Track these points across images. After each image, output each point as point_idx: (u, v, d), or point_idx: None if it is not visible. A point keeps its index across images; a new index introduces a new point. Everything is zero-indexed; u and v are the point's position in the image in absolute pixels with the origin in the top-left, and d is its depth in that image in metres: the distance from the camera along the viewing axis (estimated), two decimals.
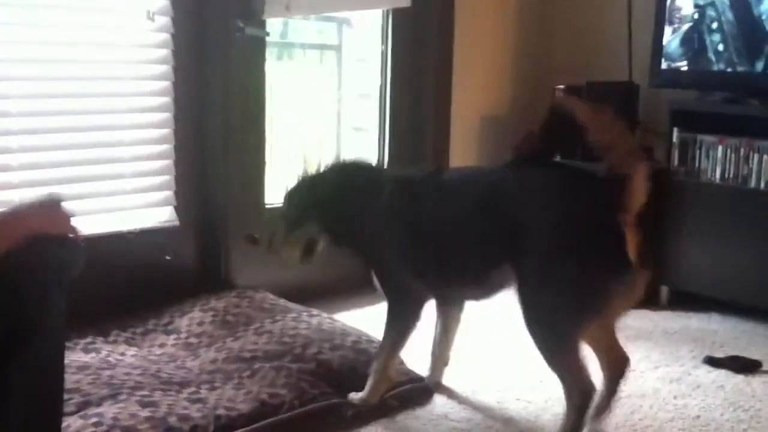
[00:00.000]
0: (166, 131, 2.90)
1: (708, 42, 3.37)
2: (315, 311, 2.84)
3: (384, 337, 2.37)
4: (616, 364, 2.23)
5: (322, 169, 2.43)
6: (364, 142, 3.80)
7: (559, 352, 2.06)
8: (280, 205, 2.50)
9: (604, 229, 1.98)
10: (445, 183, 2.29)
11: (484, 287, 2.24)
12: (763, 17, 3.20)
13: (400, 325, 2.34)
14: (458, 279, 2.26)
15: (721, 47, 3.33)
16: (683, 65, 3.46)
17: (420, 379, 2.50)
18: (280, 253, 2.46)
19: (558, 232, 2.02)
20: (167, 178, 2.92)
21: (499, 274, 2.13)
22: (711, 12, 3.34)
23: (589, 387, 2.09)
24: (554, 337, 2.05)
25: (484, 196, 2.15)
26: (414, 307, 2.35)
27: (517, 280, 2.08)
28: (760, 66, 3.24)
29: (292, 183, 2.49)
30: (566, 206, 2.04)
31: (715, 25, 3.34)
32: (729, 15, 3.30)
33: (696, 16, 3.38)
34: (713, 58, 3.36)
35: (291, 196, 2.48)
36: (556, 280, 2.01)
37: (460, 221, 2.18)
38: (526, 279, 2.06)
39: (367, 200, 2.34)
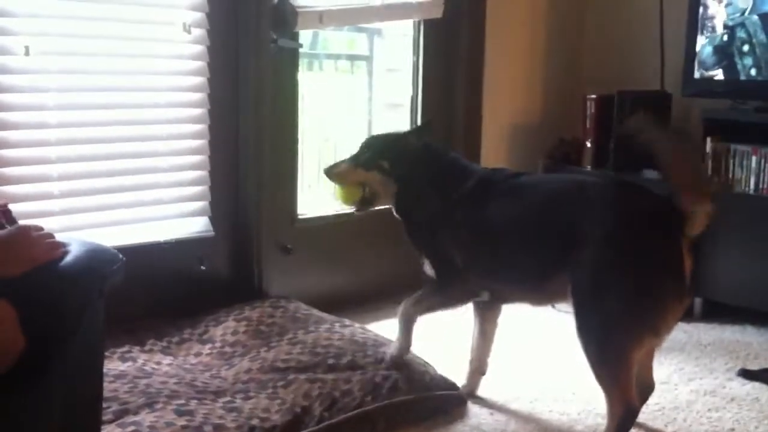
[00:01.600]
0: (202, 142, 2.94)
1: (741, 51, 3.35)
2: (347, 321, 2.85)
3: (423, 293, 2.42)
4: (642, 388, 2.24)
5: (416, 135, 2.49)
6: None
7: (610, 366, 2.06)
8: (361, 144, 2.52)
9: (667, 249, 2.03)
10: (522, 186, 2.32)
11: (544, 292, 2.27)
12: None
13: (442, 296, 2.40)
14: (519, 281, 2.30)
15: (755, 57, 3.30)
16: (716, 74, 3.44)
17: (455, 387, 2.51)
18: (336, 183, 2.47)
19: (623, 246, 2.05)
20: (203, 188, 2.95)
21: (559, 281, 2.14)
22: (745, 22, 3.32)
23: (633, 405, 2.09)
24: (608, 349, 2.05)
25: (554, 204, 2.20)
26: (463, 286, 2.38)
27: (574, 289, 2.09)
28: None
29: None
30: (633, 223, 2.07)
31: (748, 35, 3.32)
32: (763, 24, 3.27)
33: (729, 25, 3.36)
34: (746, 67, 3.34)
35: (373, 140, 2.52)
36: (617, 292, 2.03)
37: (529, 224, 2.22)
38: (584, 289, 2.07)
39: (448, 182, 2.39)
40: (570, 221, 2.13)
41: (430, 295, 2.42)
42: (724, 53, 3.38)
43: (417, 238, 2.45)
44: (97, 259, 1.67)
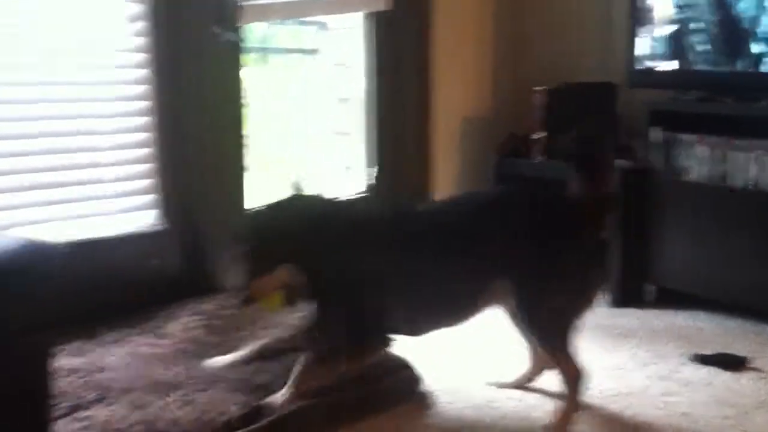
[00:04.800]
0: (148, 135, 2.88)
1: (684, 42, 3.40)
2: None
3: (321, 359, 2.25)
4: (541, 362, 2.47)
5: (279, 205, 2.26)
6: (347, 146, 3.80)
7: (563, 346, 2.25)
8: (239, 248, 2.24)
9: (589, 240, 2.28)
10: (428, 218, 2.38)
11: (471, 314, 2.34)
12: (742, 16, 3.24)
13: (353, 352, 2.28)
14: (448, 311, 2.32)
15: (698, 47, 3.36)
16: (659, 65, 3.49)
17: (409, 367, 2.47)
18: (258, 303, 2.24)
19: (553, 244, 2.24)
20: (151, 181, 2.90)
21: (491, 292, 2.27)
22: (688, 12, 3.37)
23: (583, 371, 2.25)
24: (559, 334, 2.25)
25: (473, 228, 2.27)
26: (378, 337, 2.30)
27: (517, 291, 2.24)
28: (736, 65, 3.27)
29: (244, 223, 2.39)
30: (549, 227, 2.26)
31: (691, 26, 3.37)
32: (706, 15, 3.33)
33: (672, 16, 3.41)
34: (689, 57, 3.39)
35: (262, 237, 2.22)
36: (558, 286, 2.23)
37: (453, 252, 2.26)
38: (529, 289, 2.23)
39: (351, 241, 2.24)
40: (492, 239, 2.24)
41: (332, 360, 2.25)
42: (670, 32, 3.42)
43: (336, 304, 2.26)
44: (26, 255, 1.62)
